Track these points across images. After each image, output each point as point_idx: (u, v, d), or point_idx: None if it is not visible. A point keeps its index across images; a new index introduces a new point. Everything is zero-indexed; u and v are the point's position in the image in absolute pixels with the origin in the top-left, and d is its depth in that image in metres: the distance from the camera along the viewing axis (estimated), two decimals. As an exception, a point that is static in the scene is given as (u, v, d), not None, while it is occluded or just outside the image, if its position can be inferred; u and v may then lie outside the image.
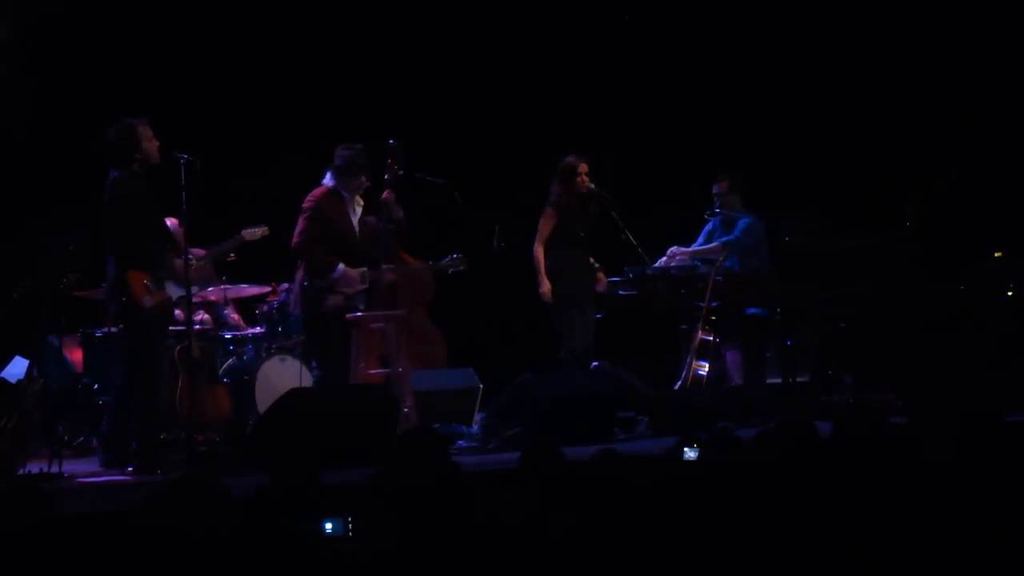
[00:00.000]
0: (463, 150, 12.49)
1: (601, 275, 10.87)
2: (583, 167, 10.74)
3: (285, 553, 4.63)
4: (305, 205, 9.86)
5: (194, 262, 9.51)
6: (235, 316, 11.49)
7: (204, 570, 4.49)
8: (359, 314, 9.71)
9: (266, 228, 10.13)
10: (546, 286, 10.61)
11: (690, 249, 11.39)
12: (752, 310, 11.26)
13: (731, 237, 11.35)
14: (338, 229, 9.85)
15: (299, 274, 10.11)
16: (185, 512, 4.61)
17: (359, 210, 9.98)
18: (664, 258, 11.28)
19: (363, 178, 9.90)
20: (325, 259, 9.77)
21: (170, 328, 9.57)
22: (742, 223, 11.31)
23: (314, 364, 10.14)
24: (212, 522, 4.62)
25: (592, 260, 10.82)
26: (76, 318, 11.05)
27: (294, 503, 5.03)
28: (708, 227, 11.49)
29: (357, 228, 9.95)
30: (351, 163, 9.85)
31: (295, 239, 9.84)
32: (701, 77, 13.29)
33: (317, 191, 9.90)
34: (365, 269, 9.82)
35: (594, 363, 10.81)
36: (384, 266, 9.93)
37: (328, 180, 9.91)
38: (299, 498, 5.07)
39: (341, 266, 9.74)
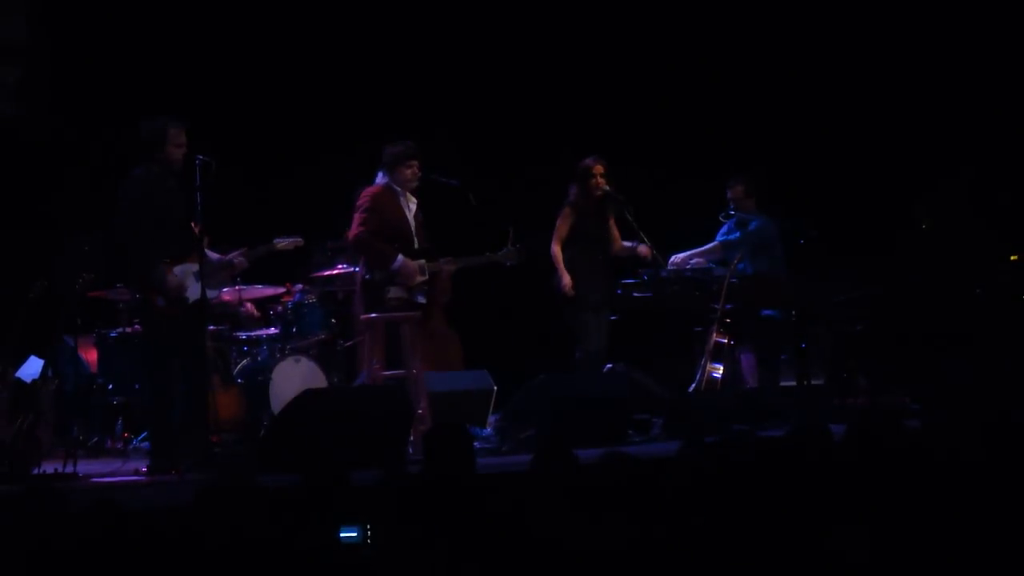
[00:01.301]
0: (478, 151, 12.50)
1: (644, 248, 10.82)
2: (598, 168, 10.76)
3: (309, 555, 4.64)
4: (360, 201, 9.89)
5: (238, 260, 9.55)
6: (250, 306, 11.47)
7: (229, 570, 4.50)
8: (373, 315, 9.71)
9: (300, 239, 10.13)
10: (567, 279, 10.63)
11: (687, 253, 11.38)
12: (767, 312, 11.24)
13: (731, 237, 11.37)
14: (393, 223, 9.85)
15: (359, 270, 10.14)
16: (222, 515, 4.62)
17: (413, 206, 9.99)
18: (671, 267, 11.25)
19: (413, 170, 9.89)
20: (385, 250, 9.77)
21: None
22: (752, 225, 11.31)
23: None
24: (247, 524, 4.63)
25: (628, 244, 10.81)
26: (91, 318, 11.06)
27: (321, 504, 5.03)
28: (723, 229, 11.49)
29: (412, 223, 9.96)
30: (396, 157, 9.89)
31: (353, 232, 9.85)
32: (718, 79, 13.28)
33: (371, 188, 9.93)
34: (423, 261, 9.82)
35: (608, 365, 10.81)
36: (443, 259, 9.95)
37: (380, 178, 9.94)
38: (327, 499, 5.08)
39: (401, 257, 9.74)
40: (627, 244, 10.87)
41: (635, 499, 5.03)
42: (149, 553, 4.49)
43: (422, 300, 9.85)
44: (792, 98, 13.16)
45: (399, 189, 9.91)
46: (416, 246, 9.91)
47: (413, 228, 9.96)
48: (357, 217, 9.83)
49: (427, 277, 9.83)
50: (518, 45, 13.15)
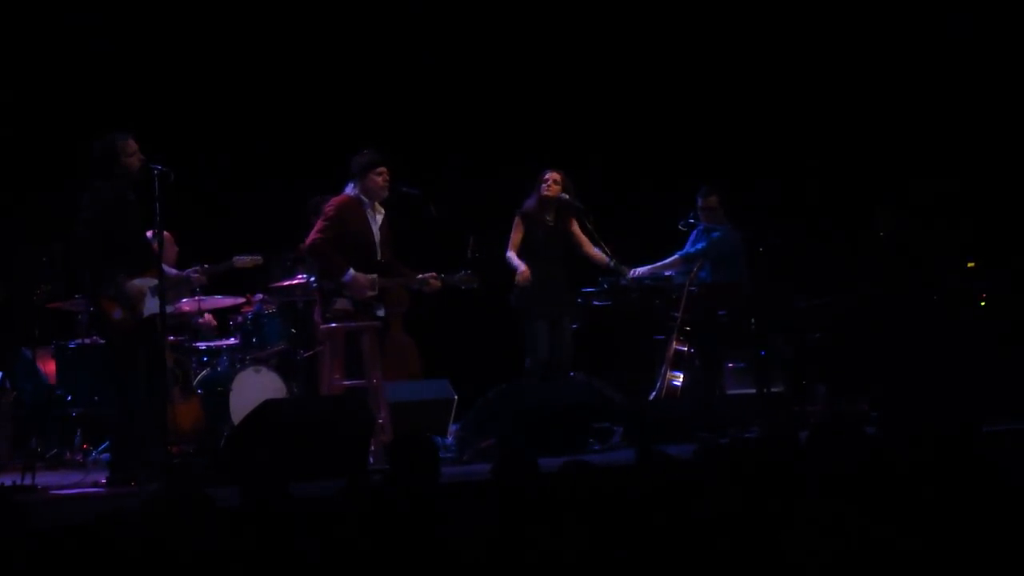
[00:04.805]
0: (439, 161, 12.51)
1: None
2: (553, 176, 10.77)
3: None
4: (325, 209, 9.87)
5: (196, 276, 9.52)
6: (208, 316, 11.44)
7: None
8: (332, 325, 9.69)
9: (259, 258, 10.09)
10: (523, 267, 10.60)
11: (649, 267, 11.40)
12: (719, 314, 11.28)
13: (691, 248, 11.40)
14: (355, 234, 9.80)
15: (312, 278, 10.16)
16: (173, 525, 4.60)
17: (380, 217, 9.95)
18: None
19: (383, 178, 9.84)
20: (336, 261, 9.73)
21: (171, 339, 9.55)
22: (715, 234, 11.34)
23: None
24: (200, 535, 4.61)
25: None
26: (49, 330, 11.01)
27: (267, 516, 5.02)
28: (691, 239, 11.51)
29: (378, 235, 9.92)
30: (364, 166, 9.84)
31: (309, 239, 9.80)
32: (678, 88, 13.33)
33: (338, 197, 9.89)
34: (375, 276, 9.77)
35: (570, 373, 10.81)
36: (425, 274, 9.89)
37: (350, 189, 9.91)
38: (271, 511, 5.06)
39: (351, 271, 9.69)
40: (596, 251, 10.90)
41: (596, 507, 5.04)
42: (107, 564, 4.47)
43: (381, 314, 9.81)
44: (752, 108, 13.22)
45: (367, 200, 9.87)
46: (379, 258, 9.87)
47: (378, 240, 9.91)
48: (317, 224, 9.80)
49: (376, 292, 9.77)
50: (483, 55, 13.18)
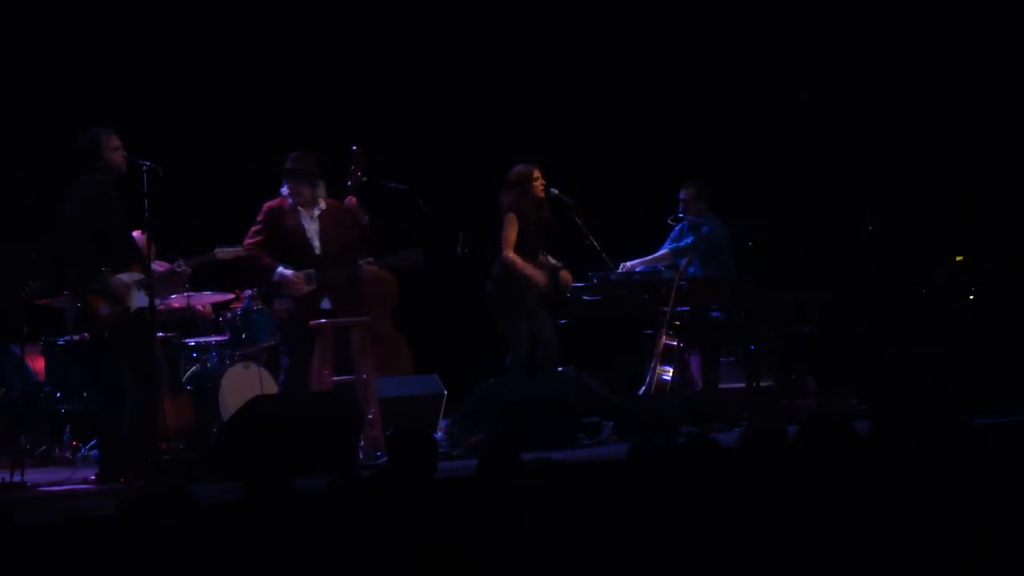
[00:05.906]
0: (427, 157, 12.49)
1: (565, 273, 10.75)
2: (537, 172, 10.71)
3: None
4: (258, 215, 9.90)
5: (181, 268, 9.51)
6: (207, 308, 11.41)
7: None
8: (323, 320, 9.69)
9: (240, 249, 10.10)
10: (538, 274, 10.54)
11: (636, 261, 11.40)
12: (713, 314, 11.27)
13: (681, 243, 11.40)
14: (286, 234, 9.81)
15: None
16: (154, 521, 4.59)
17: (317, 211, 9.90)
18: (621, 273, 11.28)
19: (290, 187, 9.85)
20: (263, 264, 9.76)
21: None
22: (704, 229, 11.35)
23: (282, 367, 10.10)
24: (182, 531, 4.60)
25: (552, 259, 10.73)
26: (38, 326, 10.99)
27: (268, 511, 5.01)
28: (674, 233, 11.52)
29: (314, 228, 9.88)
30: (286, 171, 9.85)
31: (243, 246, 9.83)
32: (665, 83, 13.32)
33: (269, 201, 9.90)
34: (312, 271, 9.75)
35: (559, 368, 10.80)
36: (362, 261, 9.83)
37: (283, 189, 9.92)
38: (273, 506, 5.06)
39: (279, 269, 9.71)
40: (552, 261, 10.81)
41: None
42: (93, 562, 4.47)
43: (327, 306, 9.81)
44: (742, 102, 13.22)
45: (292, 200, 9.87)
46: (318, 252, 9.84)
47: (314, 234, 9.88)
48: (249, 231, 9.84)
49: (315, 286, 9.75)
50: (466, 49, 13.16)
